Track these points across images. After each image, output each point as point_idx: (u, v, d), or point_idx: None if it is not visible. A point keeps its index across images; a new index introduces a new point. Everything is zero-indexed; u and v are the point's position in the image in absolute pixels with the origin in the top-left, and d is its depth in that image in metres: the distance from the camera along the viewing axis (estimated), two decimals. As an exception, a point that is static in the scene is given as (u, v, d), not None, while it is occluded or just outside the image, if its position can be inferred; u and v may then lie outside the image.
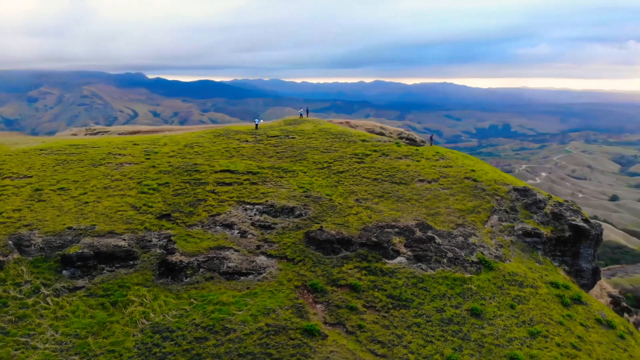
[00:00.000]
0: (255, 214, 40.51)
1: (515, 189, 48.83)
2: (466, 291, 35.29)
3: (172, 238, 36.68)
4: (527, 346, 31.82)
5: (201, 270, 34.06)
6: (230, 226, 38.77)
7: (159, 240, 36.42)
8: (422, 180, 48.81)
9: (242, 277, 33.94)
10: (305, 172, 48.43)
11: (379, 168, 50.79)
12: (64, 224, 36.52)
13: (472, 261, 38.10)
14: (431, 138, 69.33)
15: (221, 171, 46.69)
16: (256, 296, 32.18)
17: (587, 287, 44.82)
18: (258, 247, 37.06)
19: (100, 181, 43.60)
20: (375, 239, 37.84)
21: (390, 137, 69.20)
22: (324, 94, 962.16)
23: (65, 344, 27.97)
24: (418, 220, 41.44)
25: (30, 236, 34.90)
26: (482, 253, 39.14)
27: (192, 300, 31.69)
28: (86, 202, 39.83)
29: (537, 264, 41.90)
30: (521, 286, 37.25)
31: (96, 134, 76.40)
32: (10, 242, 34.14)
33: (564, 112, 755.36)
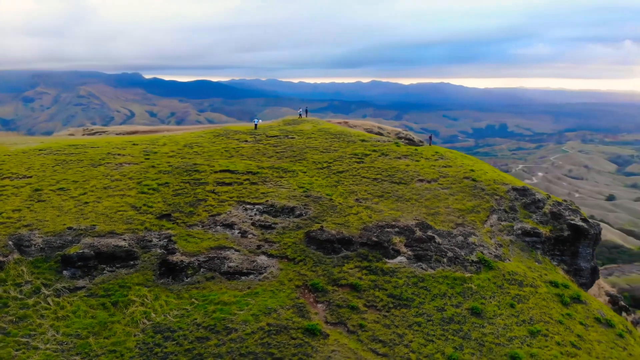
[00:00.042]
0: (255, 214, 40.53)
1: (514, 189, 49.01)
2: (466, 290, 35.41)
3: (173, 238, 36.67)
4: (528, 345, 31.96)
5: (202, 270, 34.07)
6: (230, 226, 38.79)
7: (160, 240, 36.40)
8: (421, 180, 48.93)
9: (243, 277, 33.96)
10: (305, 172, 48.48)
11: (378, 168, 50.90)
12: (64, 224, 36.47)
13: (472, 260, 38.23)
14: (430, 138, 69.52)
15: (221, 171, 46.70)
16: (257, 296, 32.21)
17: (586, 286, 45.03)
18: (259, 246, 37.10)
19: (100, 181, 43.54)
20: (375, 239, 37.93)
21: (389, 137, 69.31)
22: (321, 94, 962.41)
23: (66, 344, 27.94)
24: (418, 219, 41.55)
25: (30, 236, 34.83)
26: (481, 252, 39.28)
27: (193, 300, 31.70)
28: (86, 202, 39.77)
29: (537, 263, 42.07)
30: (521, 285, 37.41)
31: (94, 134, 76.24)
32: (10, 243, 34.06)
33: (560, 112, 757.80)
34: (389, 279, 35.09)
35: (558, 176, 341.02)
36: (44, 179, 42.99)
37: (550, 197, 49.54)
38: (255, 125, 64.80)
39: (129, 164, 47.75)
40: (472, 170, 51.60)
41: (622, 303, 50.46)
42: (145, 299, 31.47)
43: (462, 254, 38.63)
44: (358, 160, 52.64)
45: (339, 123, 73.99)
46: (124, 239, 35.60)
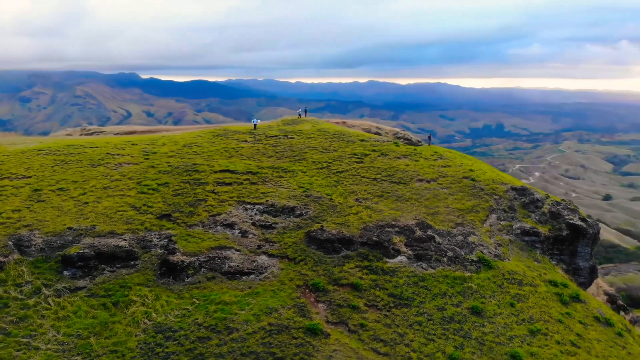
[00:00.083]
0: (255, 214, 40.55)
1: (513, 189, 49.18)
2: (466, 290, 35.52)
3: (173, 238, 36.65)
4: (528, 344, 32.09)
5: (203, 270, 34.06)
6: (231, 226, 38.79)
7: (160, 241, 36.38)
8: (421, 180, 49.04)
9: (243, 277, 33.98)
10: (304, 172, 48.52)
11: (378, 168, 50.99)
12: (64, 225, 36.40)
13: (472, 260, 38.35)
14: (429, 138, 69.61)
15: (221, 171, 46.69)
16: (258, 296, 32.24)
17: (585, 285, 45.23)
18: (259, 246, 37.12)
19: (99, 181, 43.47)
20: (375, 238, 38.00)
21: (387, 137, 69.42)
22: (318, 94, 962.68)
23: (67, 344, 27.89)
24: (418, 219, 41.65)
25: (30, 237, 34.75)
26: (481, 252, 39.40)
27: (194, 300, 31.69)
28: (86, 203, 39.71)
29: (536, 262, 42.23)
30: (520, 284, 37.55)
31: (91, 134, 76.09)
32: (10, 243, 33.98)
33: (557, 112, 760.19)
34: (389, 279, 35.17)
35: (555, 176, 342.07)
36: (44, 179, 42.90)
37: (549, 196, 49.74)
38: (255, 125, 64.80)
39: (128, 164, 47.69)
40: (471, 170, 51.76)
41: (620, 302, 50.70)
42: (146, 299, 31.44)
43: (462, 253, 38.75)
44: (358, 160, 52.72)
45: (337, 123, 74.10)
46: (124, 239, 35.56)
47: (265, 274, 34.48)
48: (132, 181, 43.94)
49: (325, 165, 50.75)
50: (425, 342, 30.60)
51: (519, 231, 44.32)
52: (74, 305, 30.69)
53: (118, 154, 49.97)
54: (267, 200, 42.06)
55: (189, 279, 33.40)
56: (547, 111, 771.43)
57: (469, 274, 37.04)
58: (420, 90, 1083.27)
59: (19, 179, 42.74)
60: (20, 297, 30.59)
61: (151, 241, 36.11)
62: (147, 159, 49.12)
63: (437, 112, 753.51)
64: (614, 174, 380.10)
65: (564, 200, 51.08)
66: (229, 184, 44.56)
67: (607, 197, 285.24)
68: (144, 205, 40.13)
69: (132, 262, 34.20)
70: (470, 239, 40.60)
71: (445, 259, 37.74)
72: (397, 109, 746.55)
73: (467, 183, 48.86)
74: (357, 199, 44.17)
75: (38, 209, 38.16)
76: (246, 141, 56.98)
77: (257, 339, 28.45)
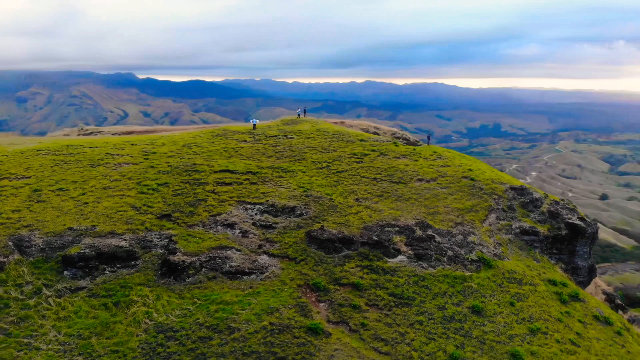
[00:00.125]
0: (256, 214, 40.58)
1: (512, 188, 49.33)
2: (467, 289, 35.63)
3: (174, 238, 36.64)
4: (528, 343, 32.22)
5: (203, 270, 34.06)
6: (231, 226, 38.80)
7: (160, 241, 36.36)
8: (420, 180, 49.15)
9: (244, 277, 34.00)
10: (304, 172, 48.57)
11: (377, 167, 51.07)
12: (64, 225, 36.34)
13: (472, 259, 38.47)
14: (428, 138, 69.79)
15: (220, 171, 46.69)
16: (259, 295, 32.26)
17: (584, 284, 45.41)
18: (260, 246, 37.14)
19: (99, 181, 43.41)
20: (376, 238, 38.08)
21: (385, 137, 69.53)
22: (315, 94, 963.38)
23: (68, 344, 27.85)
24: (418, 219, 41.75)
25: (30, 237, 34.68)
26: (481, 251, 39.53)
27: (195, 300, 31.69)
28: (86, 203, 39.65)
29: (535, 261, 42.39)
30: (520, 284, 37.70)
31: (89, 134, 75.93)
32: (10, 243, 33.90)
33: (553, 112, 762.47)
34: (390, 278, 35.25)
35: (552, 176, 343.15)
36: (43, 180, 42.81)
37: (547, 196, 49.92)
38: (254, 125, 64.80)
39: (128, 164, 47.63)
40: (470, 170, 51.90)
41: (619, 301, 50.93)
42: (147, 299, 31.42)
43: (462, 252, 38.86)
44: (357, 160, 52.79)
45: (335, 123, 74.18)
46: (125, 239, 35.53)
47: (266, 273, 34.51)
48: (132, 181, 43.89)
49: (325, 165, 50.81)
50: (426, 341, 30.69)
51: (518, 230, 44.48)
52: (75, 305, 30.65)
53: (117, 154, 49.91)
54: (267, 200, 42.09)
55: (190, 278, 33.40)
56: (544, 111, 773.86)
57: (469, 273, 37.15)
58: (417, 91, 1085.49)
59: (19, 179, 42.64)
60: (20, 297, 30.54)
61: (152, 241, 36.09)
62: (147, 159, 49.08)
63: (434, 112, 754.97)
64: (610, 174, 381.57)
65: (562, 199, 51.26)
66: (229, 184, 44.57)
67: (603, 197, 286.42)
68: (144, 205, 40.10)
69: (132, 262, 34.17)
70: (470, 238, 40.72)
71: (445, 259, 37.85)
72: (394, 109, 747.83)
73: (467, 183, 48.99)
74: (357, 199, 44.24)
75: (38, 209, 38.08)
76: (246, 141, 56.99)
77: (259, 338, 28.48)
